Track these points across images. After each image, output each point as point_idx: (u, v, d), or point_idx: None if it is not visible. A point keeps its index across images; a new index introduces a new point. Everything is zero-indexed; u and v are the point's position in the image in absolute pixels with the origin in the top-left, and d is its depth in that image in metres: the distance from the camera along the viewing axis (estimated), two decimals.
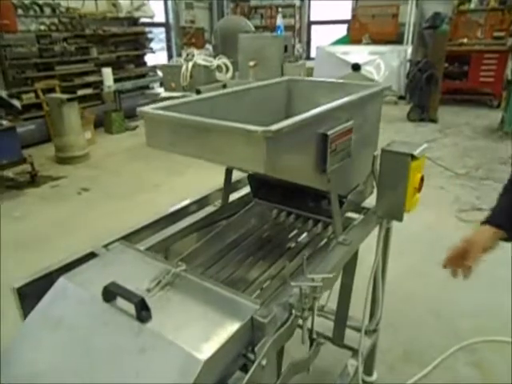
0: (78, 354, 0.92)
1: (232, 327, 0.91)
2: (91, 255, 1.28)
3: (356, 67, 9.81)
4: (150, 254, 1.21)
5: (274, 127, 0.92)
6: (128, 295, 0.95)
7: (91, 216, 3.93)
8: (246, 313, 0.95)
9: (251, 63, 5.89)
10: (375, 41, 10.61)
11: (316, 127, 1.16)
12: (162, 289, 1.04)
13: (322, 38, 12.07)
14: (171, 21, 10.73)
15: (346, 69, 9.89)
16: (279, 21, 6.53)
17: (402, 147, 1.45)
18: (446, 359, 2.23)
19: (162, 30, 10.81)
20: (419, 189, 1.47)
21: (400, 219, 1.51)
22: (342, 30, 11.77)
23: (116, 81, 7.56)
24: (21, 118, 5.70)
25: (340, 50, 10.38)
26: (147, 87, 9.27)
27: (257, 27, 11.49)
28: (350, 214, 1.68)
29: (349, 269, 1.75)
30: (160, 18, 10.58)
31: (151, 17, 9.31)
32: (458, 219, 3.81)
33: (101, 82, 7.32)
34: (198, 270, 1.40)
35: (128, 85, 7.60)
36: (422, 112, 7.46)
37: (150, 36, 9.55)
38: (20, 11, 6.56)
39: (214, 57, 6.24)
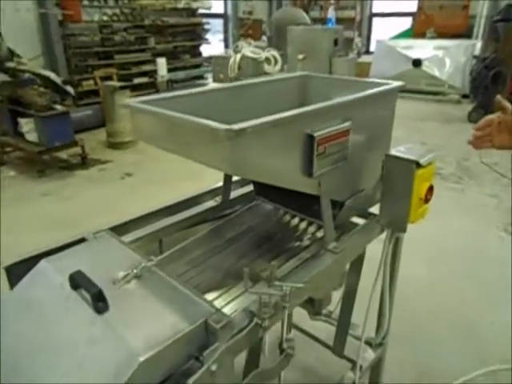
0: (35, 337, 0.95)
1: (182, 329, 0.90)
2: (82, 240, 1.32)
3: (417, 63, 9.29)
4: (130, 246, 1.22)
5: (237, 126, 0.88)
6: (87, 285, 0.97)
7: (131, 200, 4.09)
8: (200, 316, 0.93)
9: (300, 56, 5.79)
10: (441, 34, 9.96)
11: (301, 128, 1.09)
12: (129, 282, 1.05)
13: (384, 31, 11.55)
14: (229, 12, 10.81)
15: (406, 64, 9.41)
16: (331, 13, 6.32)
17: (409, 152, 1.33)
18: None
19: (220, 21, 10.93)
20: (427, 199, 1.35)
21: (403, 230, 1.40)
22: (405, 23, 11.19)
23: (171, 70, 7.80)
24: (75, 104, 6.05)
25: (401, 44, 9.87)
26: (201, 77, 9.49)
27: (315, 19, 11.25)
28: (356, 220, 1.61)
29: (352, 277, 1.67)
30: (219, 9, 10.71)
31: (209, 8, 9.44)
32: (505, 232, 3.49)
33: (156, 72, 7.59)
34: (187, 265, 1.40)
35: (181, 75, 7.80)
36: (484, 113, 6.87)
37: (207, 27, 9.70)
38: (85, 1, 6.94)
39: (263, 49, 6.21)
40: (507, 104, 1.15)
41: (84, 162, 5.11)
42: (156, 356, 0.84)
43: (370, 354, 1.81)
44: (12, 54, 4.72)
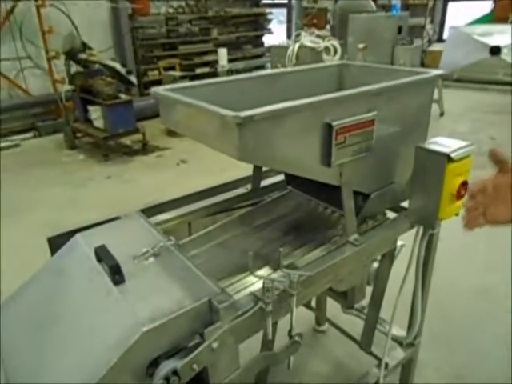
0: (60, 298, 1.06)
1: (186, 305, 0.94)
2: (117, 218, 1.42)
3: (494, 51, 8.53)
4: (155, 227, 1.29)
5: (244, 113, 0.89)
6: (107, 259, 1.05)
7: (181, 185, 4.28)
8: (205, 295, 0.97)
9: (360, 46, 5.58)
10: None
11: (319, 116, 1.08)
12: (147, 259, 1.12)
13: (460, 17, 10.74)
14: (293, 1, 10.70)
15: (483, 53, 8.67)
16: None
17: (442, 145, 1.26)
18: None
19: (284, 10, 10.86)
20: (459, 195, 1.27)
21: (432, 227, 1.34)
22: (485, 8, 10.31)
23: (232, 60, 7.93)
24: (139, 93, 6.38)
25: (478, 30, 9.10)
26: (263, 67, 9.53)
27: (384, 6, 10.77)
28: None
29: (382, 272, 1.63)
30: None
31: None
32: None
33: (217, 62, 7.75)
34: (211, 248, 1.45)
35: (240, 65, 7.90)
36: None
37: (270, 17, 9.70)
38: None
39: (323, 38, 6.08)
40: (506, 157, 0.84)
41: (144, 149, 5.40)
42: (158, 328, 0.89)
43: (398, 353, 1.76)
44: (85, 47, 5.09)
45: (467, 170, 1.27)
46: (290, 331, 1.12)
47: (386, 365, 1.67)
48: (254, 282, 1.21)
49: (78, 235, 1.26)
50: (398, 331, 1.82)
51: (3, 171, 4.82)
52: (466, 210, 0.90)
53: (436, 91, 6.46)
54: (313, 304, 2.25)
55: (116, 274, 1.02)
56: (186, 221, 1.53)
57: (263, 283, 0.98)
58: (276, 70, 1.53)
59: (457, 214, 1.37)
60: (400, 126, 1.32)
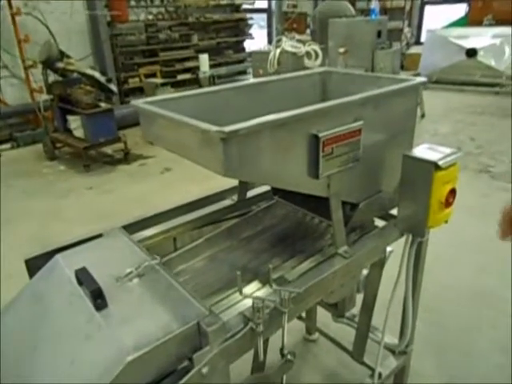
0: (39, 326, 1.00)
1: (173, 329, 0.90)
2: (99, 236, 1.36)
3: (471, 53, 8.71)
4: (139, 244, 1.25)
5: (228, 128, 0.86)
6: (88, 282, 1.00)
7: (166, 194, 4.20)
8: (193, 317, 0.93)
9: (341, 50, 5.62)
10: (500, 22, 9.26)
11: (305, 128, 1.05)
12: (131, 280, 1.07)
13: (436, 20, 10.95)
14: (273, 6, 10.74)
15: (459, 55, 8.85)
16: (374, 3, 6.07)
17: (429, 153, 1.25)
18: None
19: (264, 15, 10.89)
20: (448, 203, 1.26)
21: (421, 235, 1.33)
22: (459, 11, 10.54)
23: (214, 66, 7.89)
24: (120, 101, 6.28)
25: (454, 33, 9.29)
26: (244, 72, 9.52)
27: (362, 11, 10.91)
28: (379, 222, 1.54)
29: (372, 281, 1.61)
30: (263, 3, 10.67)
31: (252, 3, 9.44)
32: None
33: (199, 68, 7.70)
34: (198, 263, 1.41)
35: (222, 70, 7.87)
36: None
37: (250, 22, 9.71)
38: (132, 2, 7.18)
39: (304, 43, 6.10)
40: None
41: (126, 158, 5.31)
42: (144, 356, 0.85)
43: (391, 362, 1.74)
44: (62, 55, 4.98)
45: (455, 177, 1.27)
46: (281, 349, 1.09)
47: (380, 375, 1.65)
48: (242, 299, 1.17)
49: (58, 256, 1.20)
50: (390, 339, 1.80)
51: None
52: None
53: None
54: (303, 314, 2.22)
55: (98, 299, 0.97)
56: (170, 236, 1.48)
57: (253, 303, 0.94)
58: (259, 80, 1.50)
59: (446, 222, 1.37)
60: (386, 134, 1.30)
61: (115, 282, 1.06)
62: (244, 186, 1.61)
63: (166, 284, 1.05)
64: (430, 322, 2.34)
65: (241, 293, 1.00)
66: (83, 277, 1.03)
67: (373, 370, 1.68)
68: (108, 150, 5.58)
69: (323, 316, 2.11)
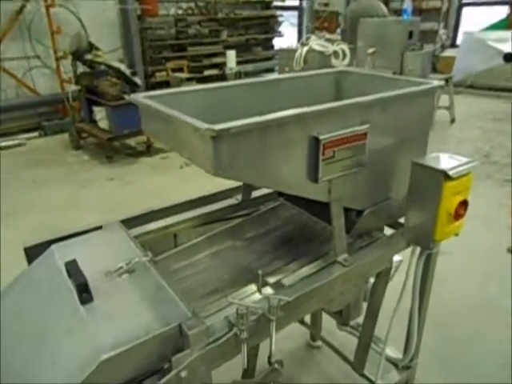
0: (27, 316, 1.01)
1: (154, 330, 0.88)
2: (99, 228, 1.36)
3: (509, 57, 8.35)
4: (133, 239, 1.23)
5: (219, 126, 0.83)
6: (76, 275, 0.99)
7: (183, 188, 4.22)
8: (176, 319, 0.90)
9: (370, 50, 5.49)
10: None
11: (305, 129, 1.01)
12: (120, 275, 1.06)
13: (475, 22, 10.54)
14: (305, 4, 10.62)
15: (497, 59, 8.51)
16: (406, 3, 5.89)
17: (440, 160, 1.18)
18: None
19: (295, 13, 10.78)
20: (458, 216, 1.19)
21: (427, 247, 1.25)
22: (500, 13, 10.10)
23: (241, 63, 7.88)
24: None
25: (493, 36, 8.93)
26: (272, 70, 9.47)
27: (396, 11, 10.62)
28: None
29: (376, 291, 1.54)
30: (294, 1, 10.57)
31: (283, 0, 9.36)
32: None
33: (226, 64, 7.70)
34: (196, 262, 1.39)
35: (249, 67, 7.84)
36: None
37: (281, 19, 9.63)
38: None
39: (333, 42, 5.99)
40: None
41: (149, 150, 5.37)
42: (121, 355, 0.83)
43: (393, 376, 1.67)
44: (91, 47, 5.07)
45: (467, 188, 1.19)
46: (269, 357, 1.05)
47: None
48: (229, 304, 1.14)
49: (53, 246, 1.20)
50: (394, 352, 1.74)
51: (7, 170, 4.83)
52: None
53: (447, 98, 6.33)
54: (308, 320, 2.17)
55: (83, 293, 0.96)
56: (171, 232, 1.46)
57: (237, 310, 0.91)
58: (272, 77, 1.46)
59: (456, 235, 1.29)
60: (397, 139, 1.24)
61: (104, 277, 1.05)
62: (248, 186, 1.57)
63: (154, 282, 1.03)
64: (434, 333, 2.25)
65: (226, 297, 0.96)
66: (72, 269, 1.02)
67: (373, 383, 1.62)
68: (131, 142, 5.65)
69: (329, 322, 2.06)
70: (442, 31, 10.53)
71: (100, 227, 1.36)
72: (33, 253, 1.27)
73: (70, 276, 1.05)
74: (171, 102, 1.12)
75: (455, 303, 2.54)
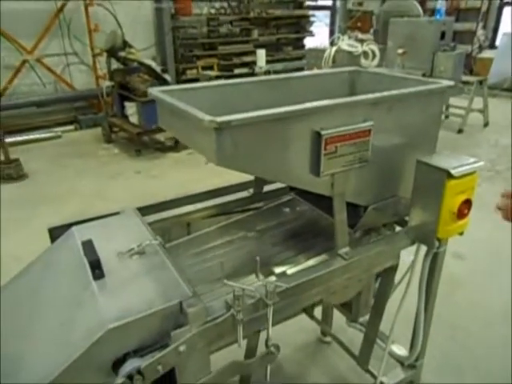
0: (45, 290, 1.10)
1: (155, 306, 0.95)
2: (117, 214, 1.45)
3: None
4: (146, 225, 1.31)
5: (221, 118, 0.89)
6: (90, 253, 1.08)
7: (207, 183, 4.32)
8: (177, 297, 0.97)
9: (399, 51, 5.42)
10: None
11: (308, 124, 1.05)
12: (131, 256, 1.14)
13: None
14: (338, 3, 10.54)
15: None
16: (440, 3, 5.75)
17: (445, 160, 1.20)
18: None
19: (327, 13, 10.72)
20: (462, 215, 1.20)
21: (430, 246, 1.27)
22: None
23: (272, 62, 7.93)
24: None
25: None
26: (302, 69, 9.45)
27: (433, 11, 10.35)
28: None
29: (382, 287, 1.56)
30: (327, 1, 10.51)
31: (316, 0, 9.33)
32: None
33: (255, 63, 7.77)
34: (207, 249, 1.46)
35: (279, 66, 7.88)
36: None
37: (313, 19, 9.61)
38: None
39: (363, 42, 5.94)
40: None
41: (176, 146, 5.51)
42: (124, 326, 0.90)
43: (398, 374, 1.68)
44: (125, 44, 5.26)
45: (472, 188, 1.20)
46: (266, 342, 1.10)
47: None
48: (227, 288, 1.20)
49: (73, 228, 1.30)
50: (401, 350, 1.75)
51: (43, 161, 5.09)
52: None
53: (481, 100, 6.14)
54: (318, 316, 2.20)
55: (96, 269, 1.05)
56: (184, 221, 1.54)
57: (233, 292, 0.97)
58: (285, 75, 1.51)
59: (461, 234, 1.30)
60: (403, 138, 1.26)
61: (116, 257, 1.13)
62: (260, 180, 1.63)
63: (161, 264, 1.11)
64: (451, 338, 2.23)
65: (224, 281, 1.02)
66: (87, 248, 1.11)
67: (376, 378, 1.64)
68: (160, 137, 5.81)
69: (340, 319, 2.08)
70: (480, 32, 10.19)
71: (118, 213, 1.45)
72: (56, 233, 1.38)
73: (85, 254, 1.14)
74: (188, 96, 1.20)
75: (478, 310, 2.49)
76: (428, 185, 1.19)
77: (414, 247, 1.41)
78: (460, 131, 5.97)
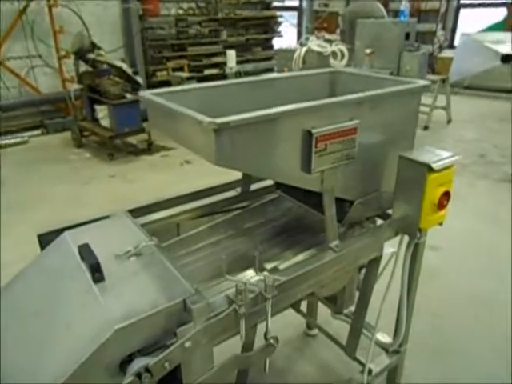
0: (43, 294, 1.09)
1: (159, 305, 0.97)
2: (106, 217, 1.45)
3: (506, 59, 8.45)
4: (140, 227, 1.32)
5: (221, 120, 0.92)
6: (88, 257, 1.08)
7: (184, 185, 4.31)
8: (180, 295, 1.00)
9: (367, 51, 5.59)
10: None
11: (299, 123, 1.10)
12: (128, 258, 1.15)
13: (472, 24, 10.64)
14: (304, 4, 10.72)
15: (494, 61, 8.61)
16: (404, 4, 5.98)
17: (424, 154, 1.28)
18: None
19: (295, 13, 10.87)
20: (441, 206, 1.28)
21: (413, 236, 1.35)
22: (497, 16, 10.21)
23: (241, 62, 7.97)
24: None
25: (490, 37, 9.04)
26: (271, 70, 9.55)
27: (396, 12, 10.71)
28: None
29: (367, 278, 1.63)
30: (294, 1, 10.66)
31: (283, 0, 9.45)
32: None
33: (225, 63, 7.79)
34: (198, 249, 1.48)
35: (249, 67, 7.94)
36: None
37: (280, 20, 9.73)
38: None
39: (331, 43, 6.09)
40: None
41: (149, 148, 5.46)
42: (131, 326, 0.92)
43: (383, 360, 1.76)
44: (93, 46, 5.16)
45: (450, 181, 1.28)
46: (265, 334, 1.14)
47: (370, 371, 1.68)
48: (230, 284, 1.23)
49: (65, 233, 1.29)
50: (385, 338, 1.83)
51: (11, 167, 4.92)
52: None
53: (444, 98, 6.43)
54: (304, 308, 2.26)
55: (96, 272, 1.05)
56: (174, 222, 1.56)
57: (236, 286, 1.00)
58: (269, 76, 1.56)
59: (440, 224, 1.39)
60: (385, 135, 1.33)
61: (114, 259, 1.14)
62: (248, 179, 1.67)
63: (160, 264, 1.13)
64: (428, 324, 2.35)
65: (225, 277, 1.05)
66: (85, 252, 1.11)
67: (364, 365, 1.71)
68: (132, 140, 5.74)
69: (325, 312, 2.15)
70: (439, 32, 10.63)
71: (107, 217, 1.45)
72: (45, 239, 1.36)
73: (82, 258, 1.14)
74: (173, 99, 1.21)
75: (452, 296, 2.63)
76: (410, 178, 1.27)
77: (392, 241, 1.49)
78: (426, 128, 6.22)
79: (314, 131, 1.10)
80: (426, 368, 2.11)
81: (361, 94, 1.18)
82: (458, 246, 3.16)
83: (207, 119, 0.93)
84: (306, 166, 1.15)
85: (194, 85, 1.40)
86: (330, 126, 1.14)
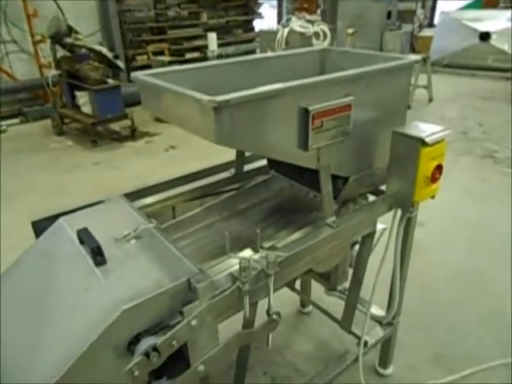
0: (44, 280, 1.09)
1: (164, 285, 0.97)
2: (100, 202, 1.44)
3: (484, 36, 8.56)
4: (137, 210, 1.32)
5: (220, 98, 0.91)
6: (89, 241, 1.07)
7: (169, 171, 4.27)
8: (184, 275, 1.00)
9: (349, 30, 5.58)
10: None
11: (296, 101, 1.10)
12: (128, 241, 1.15)
13: (451, 2, 10.70)
14: None
15: (472, 39, 8.71)
16: None
17: (417, 129, 1.30)
18: (481, 372, 2.00)
19: None
20: (434, 178, 1.31)
21: (407, 210, 1.38)
22: None
23: (223, 45, 7.85)
24: (126, 79, 6.29)
25: (468, 15, 9.11)
26: (253, 52, 9.44)
27: None
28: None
29: (362, 254, 1.67)
30: None
31: None
32: None
33: (207, 47, 7.66)
34: (195, 231, 1.49)
35: (230, 49, 7.82)
36: None
37: (260, 1, 9.58)
38: None
39: (313, 23, 6.04)
40: None
41: (133, 135, 5.37)
42: (138, 306, 0.93)
43: (378, 332, 1.82)
44: (70, 30, 5.00)
45: (442, 154, 1.31)
46: (268, 310, 1.16)
47: (366, 343, 1.73)
48: (235, 264, 1.24)
49: (61, 219, 1.28)
50: (378, 311, 1.88)
51: None
52: None
53: (425, 77, 6.49)
54: (298, 287, 2.30)
55: (97, 256, 1.05)
56: (169, 205, 1.55)
57: (239, 263, 1.01)
58: (260, 55, 1.54)
59: (433, 197, 1.42)
60: (378, 111, 1.35)
61: (114, 243, 1.13)
62: (241, 160, 1.67)
63: (160, 245, 1.13)
64: (419, 298, 2.43)
65: (229, 254, 1.06)
66: (84, 236, 1.11)
67: (360, 338, 1.76)
68: (115, 126, 5.63)
69: (318, 290, 2.19)
70: (419, 11, 10.65)
71: (101, 202, 1.44)
72: (39, 226, 1.34)
73: (82, 243, 1.13)
74: (166, 80, 1.20)
75: (439, 270, 2.71)
76: (404, 153, 1.29)
77: (382, 218, 1.51)
78: (408, 107, 6.27)
79: (310, 108, 1.11)
80: (417, 339, 2.18)
81: (356, 70, 1.18)
82: (443, 221, 3.24)
83: (206, 97, 0.92)
84: (303, 144, 1.16)
85: (187, 65, 1.38)
86: (326, 103, 1.14)
